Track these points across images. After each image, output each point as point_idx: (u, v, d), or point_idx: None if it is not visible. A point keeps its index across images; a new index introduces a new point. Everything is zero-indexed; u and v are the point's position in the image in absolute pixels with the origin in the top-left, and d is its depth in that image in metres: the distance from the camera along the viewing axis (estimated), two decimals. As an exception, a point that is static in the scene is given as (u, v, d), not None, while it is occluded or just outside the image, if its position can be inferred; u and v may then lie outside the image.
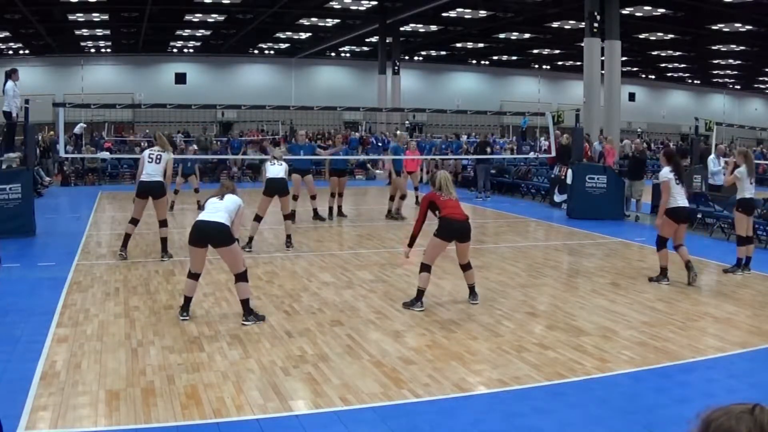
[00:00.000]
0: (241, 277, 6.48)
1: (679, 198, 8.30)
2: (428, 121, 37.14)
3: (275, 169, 10.42)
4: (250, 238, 10.39)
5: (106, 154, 22.95)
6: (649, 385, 5.04)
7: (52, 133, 23.47)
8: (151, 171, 9.35)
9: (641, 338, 6.11)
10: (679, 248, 8.38)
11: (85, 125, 24.83)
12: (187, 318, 6.53)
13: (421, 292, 7.05)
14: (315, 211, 13.42)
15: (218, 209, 6.52)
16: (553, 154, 16.81)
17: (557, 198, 16.48)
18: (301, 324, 6.46)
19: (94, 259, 9.72)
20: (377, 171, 25.63)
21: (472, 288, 7.36)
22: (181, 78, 38.61)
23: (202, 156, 19.81)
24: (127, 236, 9.62)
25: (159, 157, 9.40)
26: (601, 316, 6.85)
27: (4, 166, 12.20)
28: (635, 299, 7.59)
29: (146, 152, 9.62)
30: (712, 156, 14.60)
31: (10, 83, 13.01)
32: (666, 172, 8.27)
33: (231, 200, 6.67)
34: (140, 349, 5.66)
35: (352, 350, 5.71)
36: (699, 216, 12.99)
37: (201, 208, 15.19)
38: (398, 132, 14.89)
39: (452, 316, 6.82)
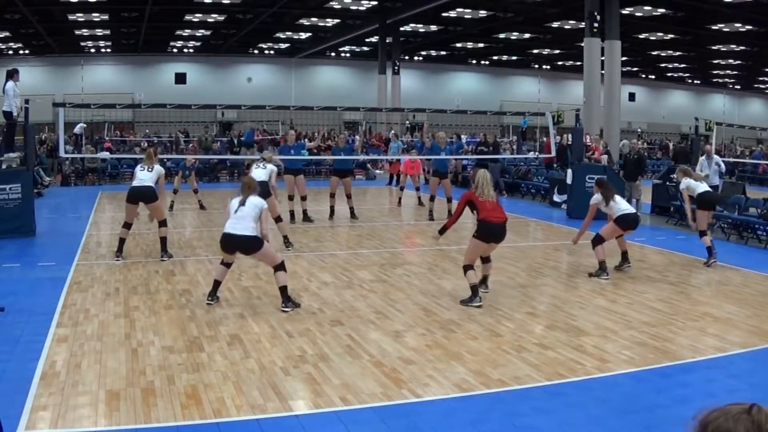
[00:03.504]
0: (279, 267, 6.95)
1: (625, 208, 9.00)
2: (428, 121, 37.09)
3: (257, 173, 10.43)
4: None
5: (106, 154, 22.95)
6: (649, 385, 5.04)
7: (53, 133, 23.52)
8: (142, 177, 9.39)
9: (641, 338, 6.11)
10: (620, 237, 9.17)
11: (85, 125, 24.83)
12: (212, 303, 7.03)
13: (474, 288, 7.27)
14: (305, 212, 13.40)
15: (242, 218, 6.87)
16: (553, 153, 16.82)
17: (557, 198, 16.48)
18: (301, 324, 6.47)
19: (94, 259, 9.72)
20: (377, 171, 25.64)
21: (485, 278, 7.75)
22: (181, 78, 38.60)
23: (201, 156, 19.82)
24: (122, 240, 9.60)
25: (152, 168, 9.47)
26: (601, 316, 6.85)
27: (4, 166, 12.19)
28: (635, 299, 7.59)
29: (138, 166, 9.74)
30: (702, 158, 14.63)
31: (10, 83, 13.01)
32: (596, 198, 8.98)
33: (253, 206, 6.96)
34: (140, 349, 5.66)
35: (352, 350, 5.71)
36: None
37: (203, 207, 15.31)
38: (439, 133, 14.80)
39: (452, 316, 6.82)
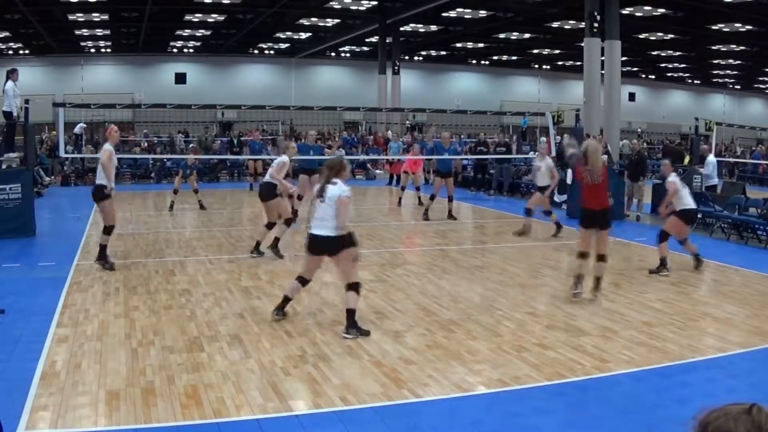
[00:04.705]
0: (353, 286, 6.18)
1: (689, 200, 9.02)
2: (428, 121, 37.13)
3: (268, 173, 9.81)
4: (258, 243, 9.84)
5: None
6: (649, 385, 5.04)
7: (54, 133, 23.51)
8: (98, 172, 8.81)
9: (641, 338, 6.12)
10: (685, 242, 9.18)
11: (85, 125, 24.82)
12: (279, 318, 6.44)
13: (576, 276, 7.48)
14: None
15: (323, 218, 6.17)
16: (553, 153, 16.78)
17: (557, 198, 16.47)
18: (301, 324, 6.46)
19: (94, 259, 9.70)
20: (377, 171, 25.64)
21: (597, 280, 7.45)
22: (181, 78, 38.57)
23: (202, 156, 19.81)
24: (102, 246, 8.86)
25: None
26: (601, 316, 6.85)
27: (4, 166, 12.20)
28: (635, 299, 7.58)
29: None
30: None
31: (10, 83, 13.00)
32: (674, 177, 9.00)
33: (331, 198, 6.12)
34: (140, 349, 5.66)
35: (352, 350, 5.71)
36: (699, 216, 13.00)
37: (203, 207, 15.28)
38: (444, 133, 14.96)
39: (452, 316, 6.82)
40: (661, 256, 8.82)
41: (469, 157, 21.10)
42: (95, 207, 15.57)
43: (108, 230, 8.80)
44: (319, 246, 6.24)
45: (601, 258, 7.46)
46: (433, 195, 14.04)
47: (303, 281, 6.46)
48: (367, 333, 6.14)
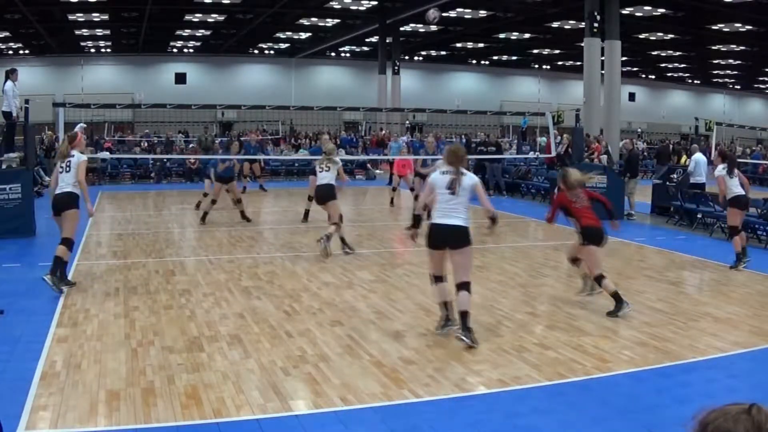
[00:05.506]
0: (465, 286, 5.87)
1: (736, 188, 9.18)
2: (428, 121, 37.18)
3: (321, 176, 10.09)
4: (343, 240, 10.11)
5: (106, 154, 22.95)
6: (649, 385, 5.04)
7: (50, 133, 23.51)
8: (62, 182, 7.72)
9: (641, 338, 6.11)
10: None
11: (85, 125, 24.80)
12: (445, 331, 6.02)
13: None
14: None
15: (454, 208, 5.83)
16: (553, 153, 16.81)
17: (557, 198, 16.47)
18: (301, 324, 6.46)
19: (94, 259, 9.72)
20: (377, 171, 25.65)
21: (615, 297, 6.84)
22: (181, 78, 38.62)
23: (201, 156, 19.76)
24: (58, 260, 7.69)
25: (68, 164, 7.70)
26: (601, 316, 6.85)
27: (4, 166, 12.20)
28: (635, 299, 7.56)
29: (57, 164, 7.93)
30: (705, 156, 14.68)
31: (9, 83, 13.01)
32: (721, 169, 9.19)
33: (466, 187, 5.86)
34: (140, 349, 5.66)
35: (352, 350, 5.71)
36: (699, 216, 13.01)
37: (199, 207, 15.27)
38: (428, 138, 15.30)
39: (452, 315, 6.81)
40: (736, 251, 9.01)
41: (471, 157, 21.08)
42: (95, 206, 15.63)
43: (68, 243, 7.75)
44: (446, 236, 5.81)
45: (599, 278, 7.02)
46: (416, 195, 14.21)
47: (439, 279, 6.08)
48: (476, 343, 5.78)
